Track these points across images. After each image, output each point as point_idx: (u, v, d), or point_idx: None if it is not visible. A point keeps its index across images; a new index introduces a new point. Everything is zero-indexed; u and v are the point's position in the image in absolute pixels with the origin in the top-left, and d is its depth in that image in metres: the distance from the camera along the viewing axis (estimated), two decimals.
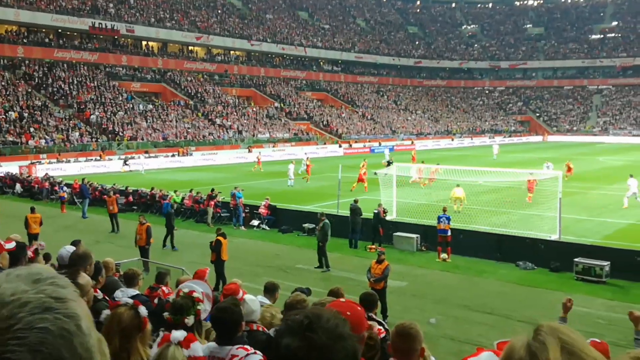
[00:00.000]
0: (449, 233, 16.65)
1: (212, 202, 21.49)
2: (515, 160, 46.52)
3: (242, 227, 21.43)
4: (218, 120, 58.52)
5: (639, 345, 4.70)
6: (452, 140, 74.44)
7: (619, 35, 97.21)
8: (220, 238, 14.01)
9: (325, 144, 62.16)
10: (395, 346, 3.34)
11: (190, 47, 71.33)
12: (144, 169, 41.14)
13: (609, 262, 14.59)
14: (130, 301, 3.24)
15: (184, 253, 17.57)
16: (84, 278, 3.94)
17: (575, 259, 14.94)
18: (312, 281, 13.44)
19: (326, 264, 15.78)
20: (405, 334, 3.32)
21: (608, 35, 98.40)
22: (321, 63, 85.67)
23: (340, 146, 60.77)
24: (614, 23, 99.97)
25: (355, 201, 19.06)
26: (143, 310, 3.02)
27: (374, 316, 5.84)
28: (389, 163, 32.35)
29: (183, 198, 24.29)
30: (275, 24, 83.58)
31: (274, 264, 16.27)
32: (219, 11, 78.10)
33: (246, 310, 4.57)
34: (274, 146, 56.94)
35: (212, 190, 22.55)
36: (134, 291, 5.48)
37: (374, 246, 17.85)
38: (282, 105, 69.54)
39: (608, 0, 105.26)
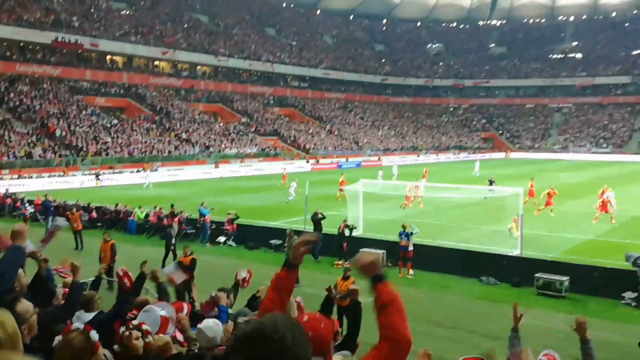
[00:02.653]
0: (409, 249, 16.84)
1: (176, 219, 21.32)
2: (493, 175, 47.26)
3: (208, 244, 21.28)
4: (184, 136, 58.10)
5: (586, 357, 4.83)
6: (418, 156, 75.41)
7: (579, 55, 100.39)
8: (194, 256, 13.97)
9: (292, 159, 62.27)
10: None
11: (156, 62, 70.88)
12: (149, 182, 40.37)
13: (568, 277, 14.98)
14: (82, 326, 3.25)
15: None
16: (24, 305, 3.88)
17: (536, 274, 15.30)
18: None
19: (296, 279, 15.77)
20: None
21: (568, 55, 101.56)
22: (289, 79, 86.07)
23: (307, 162, 60.96)
24: (574, 43, 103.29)
25: (316, 213, 19.22)
26: (94, 335, 3.03)
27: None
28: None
29: (148, 214, 24.02)
30: (243, 39, 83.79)
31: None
32: (186, 26, 77.93)
33: (204, 339, 4.56)
34: (241, 162, 56.80)
35: (172, 206, 22.39)
36: (90, 315, 5.41)
37: (340, 262, 17.94)
38: (249, 120, 69.50)
39: (569, 21, 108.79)
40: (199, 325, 4.68)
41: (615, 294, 14.41)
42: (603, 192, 26.26)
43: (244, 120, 68.85)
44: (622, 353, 10.11)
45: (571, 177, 47.79)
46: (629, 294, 14.18)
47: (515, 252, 18.11)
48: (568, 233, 22.84)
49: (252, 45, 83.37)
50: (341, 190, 30.08)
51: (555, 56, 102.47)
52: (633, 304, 13.93)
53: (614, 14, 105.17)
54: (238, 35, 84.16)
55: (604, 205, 25.42)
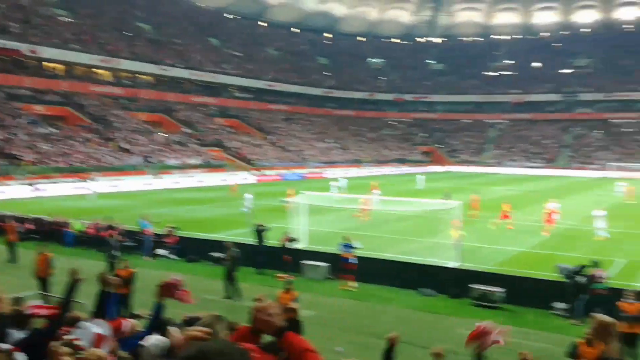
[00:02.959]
0: (350, 261, 17.03)
1: (114, 232, 20.75)
2: (437, 188, 48.40)
3: (148, 257, 20.80)
4: (125, 146, 56.70)
5: None
6: (360, 168, 76.35)
7: (512, 73, 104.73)
8: (133, 270, 13.62)
9: (236, 170, 61.78)
10: None
11: (97, 70, 69.04)
12: (94, 192, 38.71)
13: (503, 289, 15.50)
14: (7, 347, 3.15)
15: (89, 285, 16.75)
16: None
17: (472, 285, 15.76)
18: (219, 312, 13.22)
19: (237, 292, 15.66)
20: None
21: (503, 72, 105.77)
22: (232, 90, 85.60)
23: (251, 173, 60.63)
24: (508, 62, 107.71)
25: (258, 225, 19.19)
26: (20, 356, 2.95)
27: None
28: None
29: (86, 227, 23.28)
30: (186, 49, 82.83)
31: None
32: (128, 35, 76.34)
33: (149, 356, 4.45)
34: (183, 172, 55.88)
35: (108, 218, 21.75)
36: (21, 334, 5.18)
37: (282, 275, 17.89)
38: (192, 131, 68.56)
39: (503, 40, 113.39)
40: (141, 342, 4.58)
41: (547, 305, 15.00)
42: (549, 205, 27.24)
43: (186, 130, 67.88)
44: None
45: (505, 190, 49.54)
46: (559, 305, 14.79)
47: (453, 264, 18.61)
48: (503, 245, 23.63)
49: (195, 55, 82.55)
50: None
51: (490, 73, 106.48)
52: (563, 314, 14.54)
53: (544, 35, 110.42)
54: (181, 45, 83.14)
55: (549, 218, 26.49)
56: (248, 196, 31.60)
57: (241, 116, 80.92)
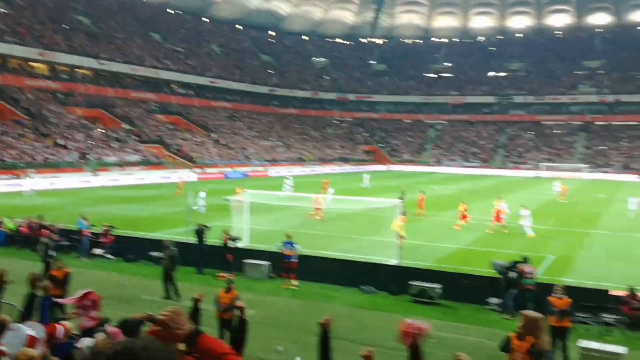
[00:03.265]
0: (293, 259, 17.08)
1: (47, 231, 20.02)
2: (382, 187, 49.00)
3: (85, 257, 20.17)
4: (61, 142, 54.66)
5: None
6: (304, 167, 76.58)
7: (451, 75, 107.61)
8: (68, 270, 13.14)
9: (177, 168, 60.69)
10: None
11: (33, 64, 66.24)
12: (32, 189, 36.80)
13: (440, 285, 15.93)
14: None
15: (20, 286, 16.07)
16: None
17: (411, 282, 16.12)
18: (157, 312, 13.01)
19: (176, 292, 15.42)
20: None
21: (442, 74, 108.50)
22: (174, 86, 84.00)
23: (193, 171, 59.72)
24: (447, 64, 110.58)
25: (199, 225, 18.96)
26: None
27: None
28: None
29: (19, 225, 22.35)
30: (126, 43, 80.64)
31: (117, 296, 15.49)
32: (66, 27, 73.62)
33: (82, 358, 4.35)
34: (122, 170, 54.42)
35: (40, 217, 20.96)
36: None
37: (223, 274, 17.74)
38: (132, 127, 66.85)
39: (442, 43, 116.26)
40: (77, 344, 4.47)
41: (482, 300, 15.53)
42: (497, 204, 27.97)
43: (126, 126, 66.12)
44: (488, 356, 10.91)
45: (443, 189, 50.84)
46: (493, 300, 15.34)
47: (393, 261, 18.97)
48: (441, 242, 24.27)
49: (136, 50, 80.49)
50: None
51: (430, 75, 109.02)
52: (497, 309, 15.09)
53: (481, 38, 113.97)
54: (121, 39, 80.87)
55: (497, 216, 27.30)
56: (202, 194, 31.05)
57: (183, 113, 79.52)
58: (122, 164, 56.05)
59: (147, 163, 59.20)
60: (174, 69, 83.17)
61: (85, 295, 5.53)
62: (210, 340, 2.08)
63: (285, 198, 32.34)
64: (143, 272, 18.52)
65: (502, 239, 25.19)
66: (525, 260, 15.39)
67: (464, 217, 27.92)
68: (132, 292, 15.95)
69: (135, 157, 59.43)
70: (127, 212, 31.08)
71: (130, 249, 20.46)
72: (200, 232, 18.96)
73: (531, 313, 4.38)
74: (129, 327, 5.18)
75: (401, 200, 31.84)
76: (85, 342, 4.46)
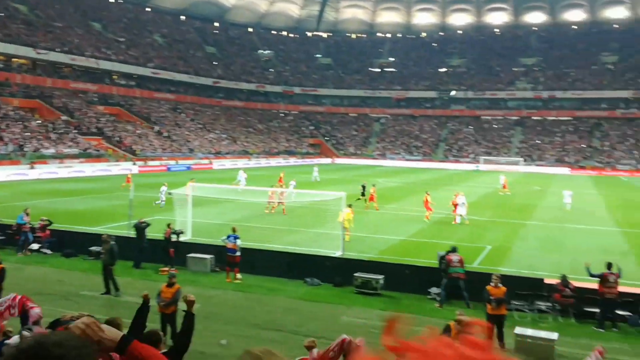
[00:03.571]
0: (237, 253, 17.02)
1: None
2: (329, 180, 49.13)
3: (23, 252, 19.43)
4: None
5: None
6: (249, 160, 76.12)
7: (395, 70, 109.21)
8: (3, 265, 12.62)
9: (118, 161, 59.13)
10: None
11: None
12: None
13: (383, 276, 16.24)
14: None
15: None
16: None
17: (355, 274, 16.37)
18: (96, 308, 12.75)
19: (115, 287, 15.09)
20: None
21: (386, 69, 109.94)
22: (115, 77, 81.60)
23: (134, 164, 58.32)
24: (391, 59, 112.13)
25: (139, 220, 18.60)
26: None
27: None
28: None
29: None
30: (65, 32, 77.64)
31: (55, 292, 15.05)
32: (2, 15, 70.22)
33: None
34: (60, 163, 52.53)
35: None
36: None
37: (166, 269, 17.49)
38: (70, 118, 64.57)
39: (386, 38, 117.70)
40: (7, 341, 4.37)
41: (424, 290, 15.95)
42: (456, 196, 28.65)
43: (65, 118, 63.80)
44: None
45: (387, 182, 51.66)
46: (434, 290, 15.78)
47: (338, 253, 19.19)
48: (384, 234, 24.69)
49: (75, 39, 77.67)
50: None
51: (374, 70, 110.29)
52: (438, 298, 15.52)
53: (423, 34, 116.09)
54: (60, 27, 77.80)
55: (456, 208, 28.15)
56: (164, 188, 30.06)
57: (124, 104, 77.40)
58: (60, 157, 54.11)
59: (86, 156, 57.40)
60: (115, 59, 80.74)
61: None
62: (141, 347, 2.02)
63: (230, 191, 31.99)
64: (82, 267, 18.04)
65: (443, 230, 25.87)
66: (453, 249, 15.92)
67: (429, 208, 28.64)
68: (71, 288, 15.52)
69: (74, 150, 57.50)
70: (65, 205, 30.10)
71: (68, 244, 19.86)
72: (139, 228, 18.56)
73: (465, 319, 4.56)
74: (60, 326, 5.07)
75: (363, 195, 32.29)
76: (14, 340, 4.38)
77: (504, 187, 43.94)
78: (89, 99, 73.20)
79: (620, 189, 52.37)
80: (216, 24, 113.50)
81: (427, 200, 28.87)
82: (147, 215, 21.39)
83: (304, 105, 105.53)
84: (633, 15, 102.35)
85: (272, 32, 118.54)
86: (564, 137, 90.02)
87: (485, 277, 13.95)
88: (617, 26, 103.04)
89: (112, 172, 53.22)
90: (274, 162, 78.51)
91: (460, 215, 27.80)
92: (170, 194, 24.57)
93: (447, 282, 15.19)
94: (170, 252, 18.00)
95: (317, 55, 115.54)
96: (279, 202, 29.15)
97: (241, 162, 73.05)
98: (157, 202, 29.96)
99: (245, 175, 40.04)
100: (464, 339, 1.04)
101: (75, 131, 62.30)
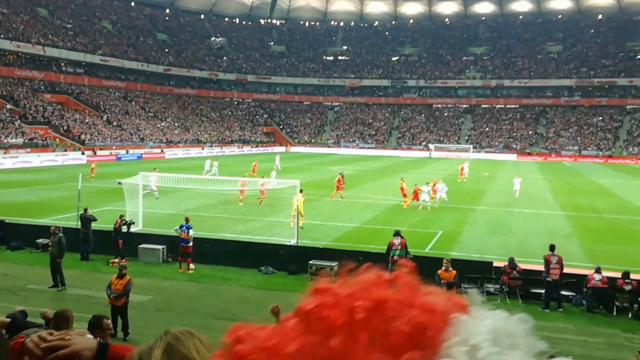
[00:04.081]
0: (190, 243, 16.84)
1: None
2: (289, 168, 48.91)
3: None
4: None
5: None
6: (203, 149, 75.15)
7: (348, 58, 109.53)
8: None
9: (66, 150, 57.36)
10: None
11: None
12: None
13: (337, 262, 16.37)
14: None
15: None
16: None
17: (310, 262, 16.47)
18: (44, 302, 12.40)
19: (62, 281, 14.70)
20: None
21: (339, 57, 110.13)
22: (62, 64, 78.88)
23: (83, 153, 56.70)
24: (344, 47, 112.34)
25: (85, 210, 18.14)
26: None
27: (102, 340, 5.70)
28: None
29: None
30: (10, 18, 74.40)
31: (1, 286, 14.56)
32: None
33: None
34: (5, 153, 50.57)
35: None
36: None
37: (116, 260, 17.16)
38: (15, 107, 62.15)
39: (339, 26, 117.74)
40: None
41: None
42: (435, 184, 29.78)
43: (9, 106, 61.35)
44: None
45: (342, 169, 51.92)
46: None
47: (292, 241, 19.24)
48: (339, 222, 24.88)
49: (20, 26, 74.56)
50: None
51: (328, 58, 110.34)
52: None
53: (376, 23, 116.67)
54: (4, 13, 74.44)
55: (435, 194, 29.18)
56: (152, 178, 28.17)
57: (72, 92, 75.01)
58: (5, 147, 52.09)
59: (33, 145, 55.47)
60: (62, 46, 77.99)
61: None
62: (121, 348, 1.90)
63: (194, 181, 31.18)
64: (29, 261, 17.50)
65: (398, 217, 26.24)
66: (396, 233, 16.26)
67: (404, 193, 29.21)
68: (17, 282, 15.04)
69: (19, 140, 55.46)
70: (11, 197, 29.07)
71: (14, 236, 19.22)
72: (85, 219, 18.04)
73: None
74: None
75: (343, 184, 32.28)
76: None
77: (461, 174, 44.70)
78: (35, 87, 70.68)
79: (564, 174, 54.27)
80: (167, 11, 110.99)
81: (402, 187, 29.39)
82: (96, 206, 20.90)
83: (257, 94, 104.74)
84: (576, 6, 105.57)
85: (225, 19, 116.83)
86: (511, 125, 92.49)
87: (437, 262, 14.26)
88: (560, 17, 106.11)
89: (59, 162, 51.64)
90: (227, 150, 77.76)
91: (441, 199, 29.24)
92: (119, 183, 23.97)
93: (390, 266, 15.45)
94: (119, 243, 17.65)
95: (271, 43, 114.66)
96: (242, 192, 28.07)
97: (194, 151, 72.11)
98: (146, 191, 28.65)
99: (216, 163, 39.91)
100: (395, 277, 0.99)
101: (21, 120, 60.09)
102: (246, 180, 28.69)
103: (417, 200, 28.65)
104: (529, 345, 0.83)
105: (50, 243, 15.32)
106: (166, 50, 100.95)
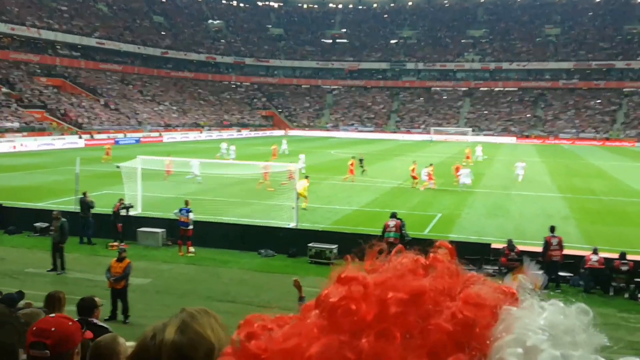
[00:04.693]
0: (190, 226, 16.83)
1: None
2: (292, 151, 48.82)
3: None
4: None
5: None
6: (201, 132, 74.93)
7: (347, 41, 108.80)
8: None
9: (62, 134, 57.13)
10: None
11: None
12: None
13: (337, 245, 16.41)
14: None
15: None
16: None
17: (309, 244, 16.49)
18: (43, 285, 12.40)
19: (62, 266, 14.71)
20: (97, 352, 3.24)
21: (338, 40, 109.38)
22: (58, 47, 78.25)
23: (80, 137, 56.51)
24: (343, 30, 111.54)
25: (84, 194, 18.10)
26: None
27: (93, 321, 5.68)
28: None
29: None
30: (5, 1, 73.65)
31: None
32: None
33: None
34: (1, 137, 50.37)
35: None
36: None
37: (115, 243, 17.16)
38: (11, 91, 61.78)
39: (338, 9, 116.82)
40: None
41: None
42: (458, 169, 30.26)
43: (4, 90, 60.99)
44: None
45: (341, 153, 51.89)
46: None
47: (291, 225, 19.25)
48: (338, 205, 24.89)
49: (15, 8, 73.86)
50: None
51: (326, 41, 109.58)
52: None
53: (375, 5, 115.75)
54: None
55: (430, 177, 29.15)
56: (195, 162, 27.80)
57: (68, 76, 74.52)
58: (1, 131, 51.87)
59: (29, 129, 55.24)
60: (57, 29, 77.29)
61: None
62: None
63: (179, 164, 31.15)
64: (27, 244, 17.50)
65: (397, 199, 26.24)
66: (392, 215, 16.33)
67: (414, 175, 29.37)
68: (15, 266, 15.05)
69: (15, 123, 55.22)
70: (8, 181, 29.00)
71: (12, 220, 19.20)
72: (83, 203, 18.00)
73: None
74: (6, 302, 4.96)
75: (362, 166, 32.19)
76: None
77: (468, 157, 44.47)
78: (31, 71, 70.19)
79: (562, 157, 54.28)
80: None
81: (413, 170, 29.53)
82: (94, 189, 20.87)
83: (255, 77, 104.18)
84: None
85: (222, 1, 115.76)
86: (509, 108, 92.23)
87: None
88: None
89: (56, 146, 51.48)
90: (226, 134, 77.50)
91: (465, 184, 29.00)
92: (118, 167, 23.91)
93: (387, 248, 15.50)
94: (118, 226, 17.64)
95: (269, 26, 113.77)
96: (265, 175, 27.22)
97: (192, 135, 71.88)
98: (188, 177, 28.52)
99: (233, 147, 39.78)
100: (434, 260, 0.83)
101: (16, 104, 59.77)
102: (268, 165, 28.11)
103: (431, 180, 29.07)
104: (590, 341, 0.69)
105: (52, 228, 15.28)
106: (163, 33, 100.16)
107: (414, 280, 0.77)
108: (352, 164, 31.58)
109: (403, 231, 15.86)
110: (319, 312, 0.76)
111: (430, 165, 30.54)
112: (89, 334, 4.05)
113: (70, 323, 2.48)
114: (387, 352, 0.68)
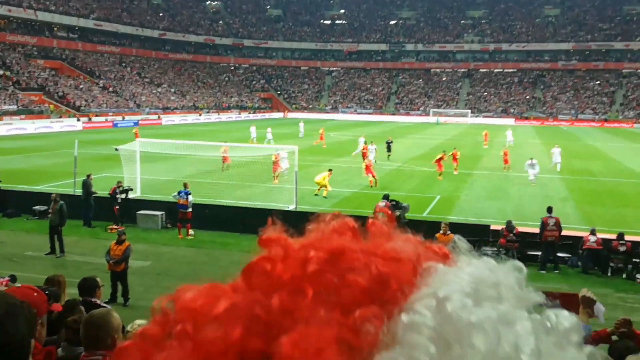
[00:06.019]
0: (189, 209, 16.82)
1: None
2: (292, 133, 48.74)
3: None
4: None
5: None
6: (200, 115, 74.69)
7: (346, 22, 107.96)
8: None
9: (61, 117, 56.95)
10: (83, 333, 3.45)
11: None
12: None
13: None
14: None
15: None
16: None
17: (309, 227, 16.49)
18: (43, 269, 12.45)
19: (61, 249, 14.74)
20: (90, 322, 3.44)
21: (337, 21, 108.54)
22: (55, 29, 77.63)
23: (78, 120, 56.33)
24: (342, 11, 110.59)
25: (88, 176, 18.08)
26: None
27: (95, 301, 5.79)
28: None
29: None
30: None
31: None
32: None
33: None
34: None
35: None
36: None
37: (114, 227, 17.18)
38: (8, 73, 61.43)
39: None
40: None
41: None
42: (506, 154, 30.79)
43: (1, 72, 60.64)
44: None
45: (340, 135, 51.79)
46: None
47: (291, 207, 19.27)
48: (337, 187, 24.83)
49: None
50: None
51: (325, 22, 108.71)
52: None
53: None
54: None
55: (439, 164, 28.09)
56: (282, 153, 24.74)
57: (66, 58, 74.06)
58: None
59: (27, 112, 55.04)
60: (54, 10, 76.60)
61: None
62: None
63: (180, 147, 31.03)
64: (26, 228, 17.52)
65: (396, 182, 26.24)
66: (384, 197, 16.47)
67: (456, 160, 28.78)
68: (14, 249, 15.08)
69: (13, 106, 54.99)
70: (6, 164, 28.93)
71: (10, 204, 19.20)
72: (86, 185, 18.00)
73: None
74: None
75: (389, 150, 31.86)
76: None
77: (485, 139, 44.23)
78: (28, 53, 69.72)
79: (561, 138, 54.14)
80: None
81: (442, 158, 27.94)
82: (93, 172, 20.77)
83: (254, 59, 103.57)
84: None
85: None
86: (509, 89, 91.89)
87: (435, 226, 14.32)
88: None
89: (54, 129, 51.30)
90: (225, 117, 77.32)
91: (534, 176, 26.81)
92: (116, 149, 23.83)
93: None
94: (114, 209, 17.63)
95: (267, 7, 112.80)
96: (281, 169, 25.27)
97: (191, 117, 71.65)
98: (284, 170, 24.90)
99: (269, 129, 39.97)
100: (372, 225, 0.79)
101: (14, 86, 59.48)
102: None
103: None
104: (519, 296, 0.66)
105: (50, 210, 15.27)
106: (161, 14, 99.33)
107: (338, 241, 0.74)
108: (365, 148, 30.52)
109: (395, 212, 15.88)
110: (239, 275, 0.74)
111: (454, 149, 30.04)
112: (56, 307, 4.16)
113: (35, 294, 2.52)
114: (298, 307, 0.65)
